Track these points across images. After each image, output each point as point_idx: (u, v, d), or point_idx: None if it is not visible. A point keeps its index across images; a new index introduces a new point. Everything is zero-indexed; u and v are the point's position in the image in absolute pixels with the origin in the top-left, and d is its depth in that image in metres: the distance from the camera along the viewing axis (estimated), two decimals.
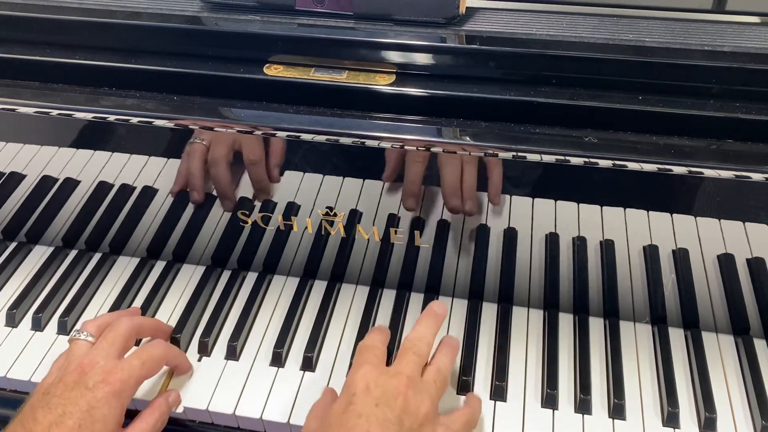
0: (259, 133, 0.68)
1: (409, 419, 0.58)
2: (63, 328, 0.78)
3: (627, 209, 0.68)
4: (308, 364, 0.74)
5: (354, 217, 0.76)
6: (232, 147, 0.72)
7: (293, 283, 0.83)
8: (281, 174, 0.73)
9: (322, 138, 0.67)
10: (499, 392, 0.71)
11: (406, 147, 0.66)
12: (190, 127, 0.70)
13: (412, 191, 0.71)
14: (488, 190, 0.69)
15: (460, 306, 0.80)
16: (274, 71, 0.69)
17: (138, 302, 0.81)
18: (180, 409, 0.70)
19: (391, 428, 0.57)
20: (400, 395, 0.59)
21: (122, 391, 0.63)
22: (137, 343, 0.75)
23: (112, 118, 0.70)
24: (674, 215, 0.67)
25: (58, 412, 0.60)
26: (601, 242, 0.72)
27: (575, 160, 0.63)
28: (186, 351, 0.75)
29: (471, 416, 0.65)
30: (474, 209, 0.70)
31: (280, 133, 0.68)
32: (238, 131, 0.69)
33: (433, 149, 0.66)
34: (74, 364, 0.64)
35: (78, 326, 0.69)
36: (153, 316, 0.80)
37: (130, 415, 0.66)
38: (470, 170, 0.67)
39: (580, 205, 0.69)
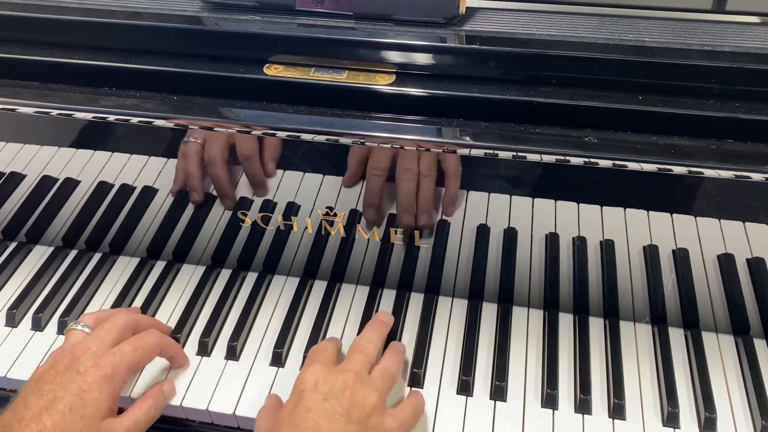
0: (258, 133, 0.68)
1: (357, 410, 0.60)
2: (63, 328, 0.78)
3: (627, 209, 0.68)
4: None
5: (354, 217, 0.76)
6: (227, 144, 0.72)
7: (293, 283, 0.83)
8: (277, 168, 0.73)
9: (322, 138, 0.67)
10: (499, 392, 0.71)
11: (405, 147, 0.66)
12: (191, 127, 0.70)
13: (406, 206, 0.71)
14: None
15: (460, 306, 0.80)
16: (274, 71, 0.69)
17: (138, 302, 0.81)
18: (176, 402, 0.70)
19: (340, 420, 0.59)
20: (347, 389, 0.61)
21: (113, 375, 0.63)
22: None
23: (112, 118, 0.70)
24: (674, 215, 0.67)
25: (49, 397, 0.60)
26: (601, 242, 0.72)
27: (575, 160, 0.63)
28: (185, 350, 0.75)
29: (417, 404, 0.67)
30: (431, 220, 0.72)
31: (280, 133, 0.68)
32: (237, 131, 0.69)
33: (433, 149, 0.66)
34: (68, 351, 0.65)
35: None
36: (153, 316, 0.80)
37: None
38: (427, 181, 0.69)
39: (580, 205, 0.69)
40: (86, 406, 0.60)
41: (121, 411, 0.65)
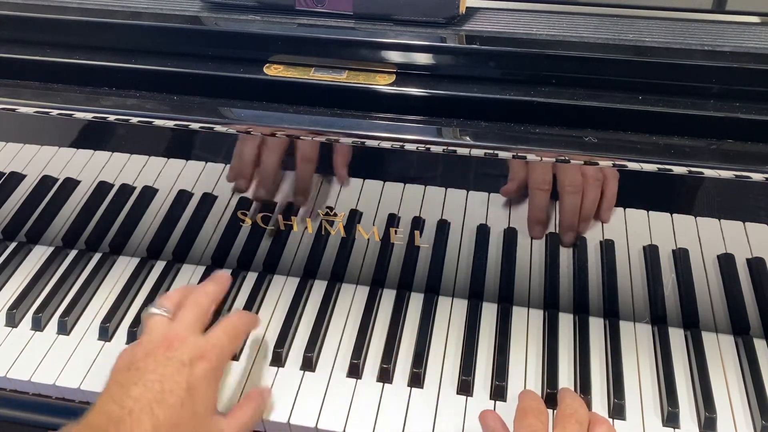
0: (258, 132, 0.69)
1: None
2: (63, 328, 0.78)
3: (627, 209, 0.68)
4: (308, 363, 0.74)
5: (354, 217, 0.76)
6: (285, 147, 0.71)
7: (293, 283, 0.83)
8: (350, 176, 0.72)
9: (322, 138, 0.67)
10: (499, 392, 0.71)
11: (406, 147, 0.66)
12: (191, 127, 0.70)
13: (539, 220, 0.70)
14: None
15: (460, 306, 0.80)
16: (274, 71, 0.69)
17: (138, 302, 0.81)
18: None
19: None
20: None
21: (219, 366, 0.62)
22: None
23: (112, 118, 0.70)
24: (674, 215, 0.67)
25: (157, 389, 0.57)
26: (601, 242, 0.72)
27: (575, 160, 0.63)
28: None
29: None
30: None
31: (280, 133, 0.68)
32: (238, 131, 0.69)
33: (433, 149, 0.66)
34: (160, 338, 0.61)
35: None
36: None
37: None
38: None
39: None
40: (196, 402, 0.58)
41: None
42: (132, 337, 0.77)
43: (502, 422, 0.64)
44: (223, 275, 0.73)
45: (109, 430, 0.54)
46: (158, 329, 0.63)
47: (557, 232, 0.71)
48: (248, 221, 0.79)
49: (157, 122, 0.69)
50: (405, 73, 0.69)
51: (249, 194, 0.76)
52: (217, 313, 0.74)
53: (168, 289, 0.83)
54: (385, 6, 0.69)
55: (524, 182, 0.67)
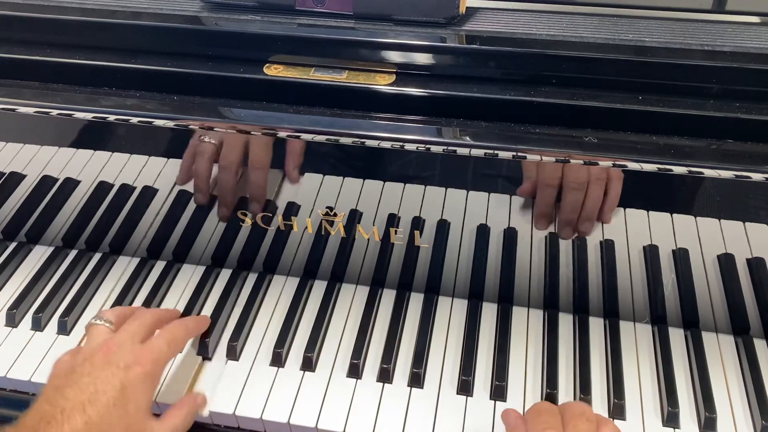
0: (259, 132, 0.69)
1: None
2: (63, 328, 0.78)
3: (627, 209, 0.68)
4: (308, 364, 0.74)
5: (354, 217, 0.76)
6: (243, 148, 0.71)
7: (293, 283, 0.83)
8: (301, 175, 0.73)
9: (322, 138, 0.67)
10: (499, 392, 0.71)
11: (406, 147, 0.66)
12: (191, 127, 0.70)
13: (547, 213, 0.70)
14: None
15: (460, 306, 0.80)
16: (274, 71, 0.69)
17: (138, 302, 0.81)
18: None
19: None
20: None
21: (154, 372, 0.63)
22: None
23: (112, 118, 0.70)
24: (674, 215, 0.67)
25: (90, 390, 0.59)
26: (601, 242, 0.72)
27: (575, 160, 0.63)
28: (185, 351, 0.75)
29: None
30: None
31: (280, 133, 0.68)
32: (238, 131, 0.69)
33: (433, 149, 0.66)
34: (98, 345, 0.64)
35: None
36: None
37: None
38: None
39: None
40: (129, 402, 0.60)
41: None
42: None
43: (523, 418, 0.65)
44: (175, 312, 0.78)
45: (40, 428, 0.56)
46: (99, 338, 0.66)
47: (557, 227, 0.71)
48: (248, 221, 0.79)
49: (157, 122, 0.69)
50: (405, 73, 0.69)
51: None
52: None
53: (168, 289, 0.83)
54: (385, 6, 0.69)
55: (537, 180, 0.68)
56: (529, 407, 0.68)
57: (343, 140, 0.67)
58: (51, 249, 0.88)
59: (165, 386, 0.72)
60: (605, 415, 0.69)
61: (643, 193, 0.67)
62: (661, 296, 0.75)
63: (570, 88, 0.66)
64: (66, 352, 0.66)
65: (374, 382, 0.72)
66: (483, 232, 0.74)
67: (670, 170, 0.62)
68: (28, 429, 0.57)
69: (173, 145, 0.74)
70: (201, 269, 0.85)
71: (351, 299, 0.81)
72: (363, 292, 0.82)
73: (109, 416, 0.58)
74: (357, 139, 0.67)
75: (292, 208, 0.76)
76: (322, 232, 0.78)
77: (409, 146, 0.66)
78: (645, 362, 0.74)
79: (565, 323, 0.78)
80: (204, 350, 0.75)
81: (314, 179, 0.73)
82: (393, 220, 0.75)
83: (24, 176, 0.82)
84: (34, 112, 0.71)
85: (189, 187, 0.77)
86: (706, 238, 0.68)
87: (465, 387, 0.71)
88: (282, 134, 0.68)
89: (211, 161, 0.73)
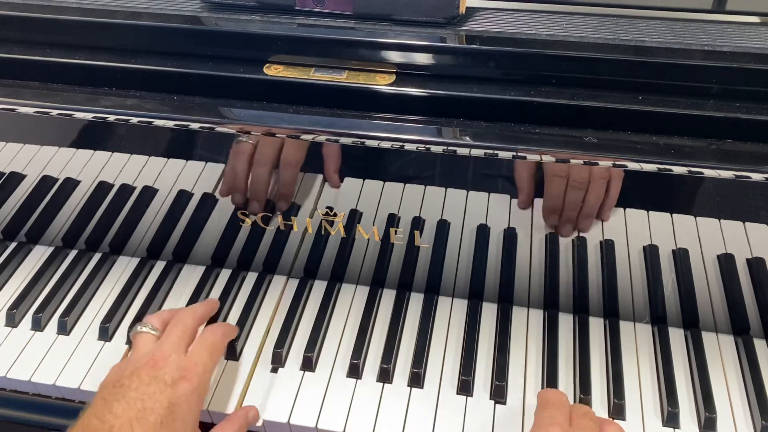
0: (259, 132, 0.69)
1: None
2: (63, 328, 0.78)
3: (627, 209, 0.68)
4: (308, 363, 0.74)
5: (354, 217, 0.76)
6: (278, 148, 0.71)
7: (293, 283, 0.83)
8: (341, 179, 0.73)
9: (322, 138, 0.67)
10: (499, 392, 0.71)
11: (406, 147, 0.66)
12: (191, 127, 0.70)
13: (553, 207, 0.70)
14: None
15: (460, 306, 0.80)
16: (274, 71, 0.69)
17: (138, 302, 0.81)
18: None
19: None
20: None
21: (200, 386, 0.63)
22: None
23: (112, 118, 0.70)
24: (674, 215, 0.67)
25: (138, 406, 0.59)
26: (601, 242, 0.72)
27: (575, 160, 0.63)
28: None
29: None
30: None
31: (280, 133, 0.68)
32: (237, 131, 0.69)
33: (433, 149, 0.66)
34: (146, 357, 0.63)
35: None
36: None
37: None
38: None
39: None
40: (176, 421, 0.60)
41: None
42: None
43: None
44: (213, 300, 0.78)
45: None
46: (145, 347, 0.66)
47: (557, 224, 0.71)
48: (248, 221, 0.79)
49: (157, 122, 0.69)
50: (405, 73, 0.69)
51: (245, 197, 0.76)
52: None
53: (168, 289, 0.83)
54: (385, 6, 0.69)
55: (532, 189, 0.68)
56: (528, 409, 0.68)
57: (343, 140, 0.67)
58: (51, 249, 0.88)
59: None
60: (605, 415, 0.69)
61: (643, 193, 0.67)
62: (661, 296, 0.75)
63: (570, 88, 0.66)
64: (119, 362, 0.66)
65: (374, 382, 0.72)
66: (483, 232, 0.74)
67: (670, 170, 0.62)
68: None
69: (173, 145, 0.74)
70: (201, 269, 0.85)
71: (351, 299, 0.81)
72: (363, 292, 0.82)
73: None
74: (357, 139, 0.67)
75: (292, 208, 0.76)
76: (322, 232, 0.78)
77: (409, 146, 0.66)
78: (645, 362, 0.74)
79: (565, 323, 0.78)
80: None
81: (314, 179, 0.73)
82: (393, 220, 0.75)
83: (24, 176, 0.82)
84: (34, 112, 0.71)
85: (189, 186, 0.77)
86: (706, 238, 0.68)
87: (465, 387, 0.71)
88: (281, 134, 0.68)
89: (249, 162, 0.73)
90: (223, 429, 0.65)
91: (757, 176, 0.61)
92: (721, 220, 0.67)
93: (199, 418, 0.63)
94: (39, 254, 0.88)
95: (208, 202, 0.78)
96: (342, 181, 0.72)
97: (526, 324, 0.78)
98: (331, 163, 0.71)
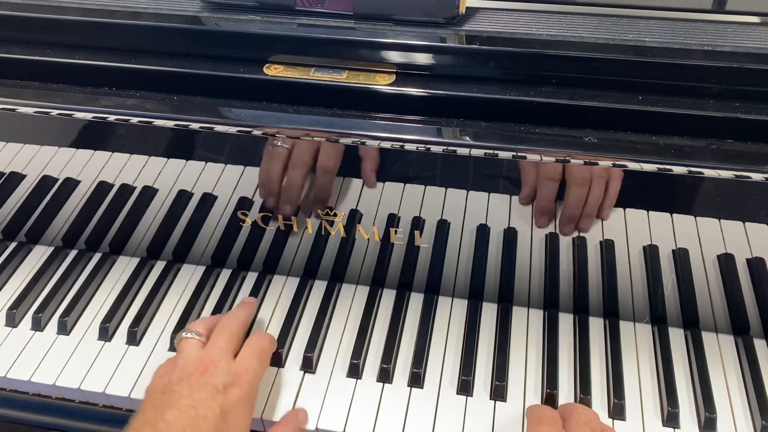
0: (259, 132, 0.69)
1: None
2: (63, 328, 0.78)
3: (627, 209, 0.68)
4: (308, 364, 0.74)
5: (354, 217, 0.76)
6: (313, 152, 0.71)
7: (293, 283, 0.83)
8: (378, 180, 0.72)
9: (322, 138, 0.67)
10: (499, 392, 0.71)
11: (405, 147, 0.66)
12: (191, 127, 0.70)
13: (545, 209, 0.70)
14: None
15: (460, 306, 0.80)
16: (274, 71, 0.69)
17: (138, 302, 0.81)
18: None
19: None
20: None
21: (251, 393, 0.63)
22: None
23: (112, 118, 0.70)
24: (674, 215, 0.67)
25: (191, 414, 0.58)
26: (601, 242, 0.72)
27: (575, 160, 0.63)
28: None
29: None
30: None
31: (279, 133, 0.68)
32: (238, 131, 0.69)
33: (433, 149, 0.66)
34: (194, 363, 0.62)
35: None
36: (153, 316, 0.80)
37: None
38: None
39: None
40: (229, 427, 0.59)
41: None
42: (132, 337, 0.77)
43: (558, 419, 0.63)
44: (251, 301, 0.77)
45: None
46: (192, 353, 0.64)
47: (558, 224, 0.71)
48: (248, 221, 0.79)
49: (157, 122, 0.69)
50: (405, 73, 0.69)
51: (250, 195, 0.76)
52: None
53: (168, 289, 0.83)
54: (385, 6, 0.69)
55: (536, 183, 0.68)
56: (527, 408, 0.68)
57: (343, 140, 0.67)
58: (51, 249, 0.88)
59: None
60: (605, 415, 0.69)
61: (643, 193, 0.67)
62: (661, 296, 0.75)
63: (570, 88, 0.66)
64: (162, 364, 0.65)
65: (374, 382, 0.72)
66: (483, 232, 0.74)
67: (670, 170, 0.62)
68: None
69: (173, 145, 0.74)
70: (201, 269, 0.85)
71: (351, 299, 0.81)
72: (363, 292, 0.82)
73: None
74: (357, 139, 0.67)
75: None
76: (322, 232, 0.78)
77: (409, 146, 0.66)
78: (645, 362, 0.74)
79: (565, 323, 0.78)
80: None
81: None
82: (393, 220, 0.75)
83: (24, 176, 0.82)
84: (34, 112, 0.71)
85: (189, 186, 0.77)
86: (706, 238, 0.68)
87: (465, 387, 0.71)
88: (281, 134, 0.68)
89: (284, 166, 0.73)
90: (278, 429, 0.65)
91: (757, 176, 0.61)
92: (721, 220, 0.67)
93: (250, 423, 0.62)
94: (39, 254, 0.88)
95: (208, 202, 0.78)
96: (377, 182, 0.72)
97: (526, 324, 0.78)
98: (367, 164, 0.70)
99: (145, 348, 0.76)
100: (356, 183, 0.72)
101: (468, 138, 0.65)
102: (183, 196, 0.79)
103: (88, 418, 0.74)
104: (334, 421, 0.69)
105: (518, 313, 0.79)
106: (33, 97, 0.71)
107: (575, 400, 0.70)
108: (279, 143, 0.70)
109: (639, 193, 0.67)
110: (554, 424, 0.61)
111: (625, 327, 0.77)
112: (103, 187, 0.80)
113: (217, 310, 0.79)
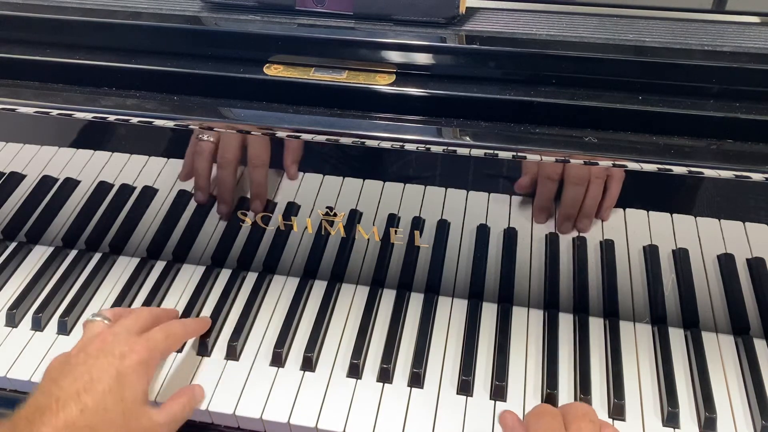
0: (258, 132, 0.69)
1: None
2: (63, 328, 0.78)
3: (627, 209, 0.68)
4: (308, 364, 0.74)
5: (354, 217, 0.76)
6: (240, 146, 0.72)
7: (293, 283, 0.83)
8: (299, 171, 0.73)
9: (322, 138, 0.67)
10: (499, 392, 0.71)
11: (406, 147, 0.66)
12: (191, 127, 0.70)
13: (544, 206, 0.70)
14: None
15: (460, 306, 0.80)
16: (274, 71, 0.69)
17: (138, 302, 0.81)
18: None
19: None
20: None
21: (149, 359, 0.63)
22: None
23: (112, 118, 0.70)
24: (674, 215, 0.67)
25: (86, 378, 0.59)
26: (601, 242, 0.72)
27: (575, 160, 0.63)
28: (185, 351, 0.75)
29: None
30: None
31: (280, 133, 0.68)
32: (238, 131, 0.69)
33: (433, 149, 0.66)
34: (95, 337, 0.64)
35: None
36: None
37: None
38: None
39: None
40: (125, 389, 0.60)
41: None
42: None
43: (519, 420, 0.66)
44: (173, 312, 0.78)
45: (35, 418, 0.56)
46: (96, 330, 0.66)
47: (556, 222, 0.71)
48: (248, 221, 0.79)
49: (157, 122, 0.69)
50: (405, 73, 0.69)
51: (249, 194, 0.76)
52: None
53: (168, 289, 0.83)
54: (385, 6, 0.69)
55: (536, 175, 0.68)
56: (529, 409, 0.68)
57: (343, 140, 0.67)
58: (51, 249, 0.88)
59: (165, 386, 0.72)
60: (605, 414, 0.69)
61: (643, 193, 0.67)
62: (661, 296, 0.75)
63: (570, 88, 0.66)
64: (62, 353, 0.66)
65: (374, 382, 0.72)
66: (483, 232, 0.74)
67: (670, 170, 0.62)
68: (22, 420, 0.57)
69: (173, 145, 0.74)
70: (201, 269, 0.85)
71: (351, 299, 0.81)
72: (363, 292, 0.82)
73: (105, 403, 0.58)
74: (357, 139, 0.67)
75: (292, 208, 0.76)
76: (322, 232, 0.78)
77: (409, 146, 0.66)
78: (645, 362, 0.74)
79: (565, 323, 0.78)
80: (204, 350, 0.75)
81: (314, 179, 0.73)
82: (393, 220, 0.75)
83: (24, 176, 0.82)
84: (34, 112, 0.71)
85: (189, 186, 0.77)
86: (706, 238, 0.68)
87: (465, 387, 0.71)
88: (281, 134, 0.68)
89: (210, 160, 0.73)
90: (174, 398, 0.67)
91: (757, 176, 0.61)
92: (721, 220, 0.67)
93: (148, 391, 0.63)
94: (39, 254, 0.88)
95: (208, 202, 0.78)
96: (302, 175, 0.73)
97: (526, 324, 0.78)
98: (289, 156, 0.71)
99: None
100: (356, 183, 0.72)
101: (468, 138, 0.65)
102: (183, 196, 0.79)
103: None
104: (334, 421, 0.69)
105: (518, 313, 0.79)
106: (33, 97, 0.71)
107: (575, 400, 0.70)
108: (205, 137, 0.71)
109: (639, 193, 0.67)
110: (556, 416, 0.62)
111: (625, 327, 0.77)
112: (103, 187, 0.80)
113: (218, 310, 0.79)
